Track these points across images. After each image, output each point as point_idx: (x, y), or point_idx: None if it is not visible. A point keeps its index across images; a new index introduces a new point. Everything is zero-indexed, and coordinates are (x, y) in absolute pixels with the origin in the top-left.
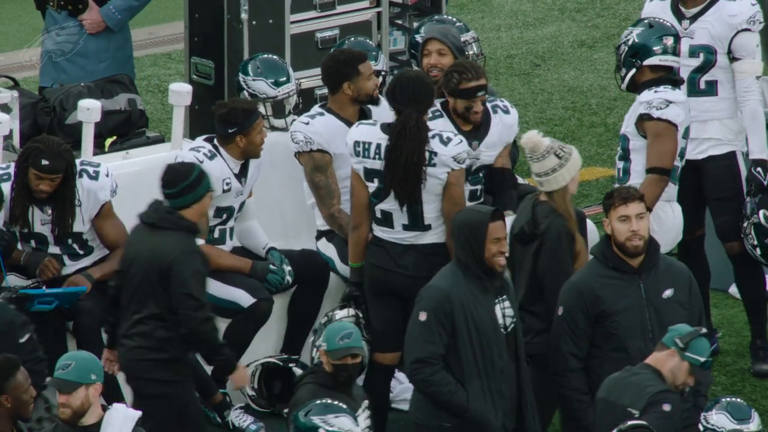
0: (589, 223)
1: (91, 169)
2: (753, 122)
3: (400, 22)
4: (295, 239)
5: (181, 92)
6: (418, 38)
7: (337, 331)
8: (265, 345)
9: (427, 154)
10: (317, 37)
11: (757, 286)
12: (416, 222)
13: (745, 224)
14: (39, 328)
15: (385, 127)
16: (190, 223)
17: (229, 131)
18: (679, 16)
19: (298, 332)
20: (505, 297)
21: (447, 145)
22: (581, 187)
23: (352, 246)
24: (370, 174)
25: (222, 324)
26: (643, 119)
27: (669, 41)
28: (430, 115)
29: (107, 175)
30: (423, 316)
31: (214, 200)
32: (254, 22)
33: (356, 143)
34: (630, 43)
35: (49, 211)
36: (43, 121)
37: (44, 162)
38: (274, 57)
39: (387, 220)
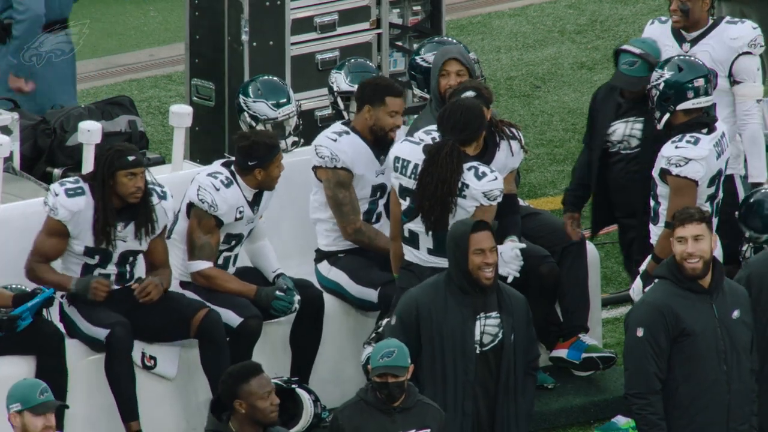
0: (590, 245)
1: (159, 189)
2: (753, 146)
3: (400, 43)
4: (291, 260)
5: (181, 114)
6: (419, 60)
7: (381, 348)
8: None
9: (459, 185)
10: (317, 58)
11: None
12: (440, 248)
13: (744, 248)
14: (40, 348)
15: (426, 149)
16: None
17: (249, 164)
18: (680, 39)
19: (304, 361)
20: (492, 314)
21: (480, 180)
22: None
23: (392, 258)
24: (403, 192)
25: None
26: (663, 173)
27: (700, 82)
28: (437, 138)
29: (171, 197)
30: (393, 320)
31: (225, 227)
32: (255, 44)
33: (396, 158)
34: (661, 87)
35: (123, 227)
36: (44, 143)
37: (131, 158)
38: (275, 78)
39: (413, 240)
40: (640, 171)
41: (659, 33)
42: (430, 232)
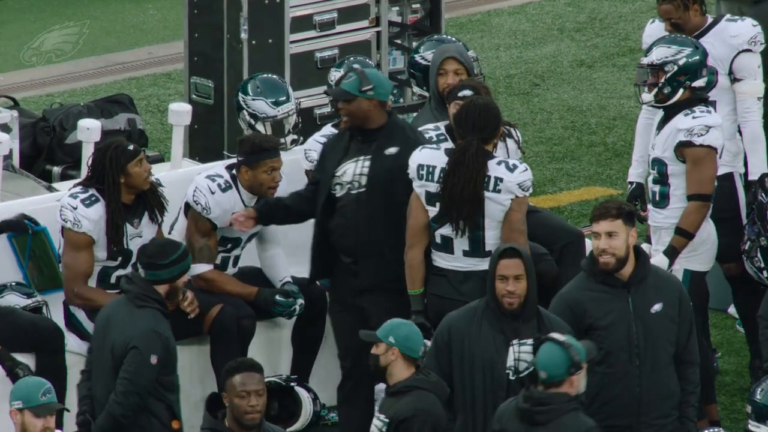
0: (589, 244)
1: (153, 178)
2: (753, 143)
3: (399, 41)
4: (288, 258)
5: (180, 112)
6: (418, 58)
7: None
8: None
9: (492, 180)
10: (317, 56)
11: (755, 306)
12: (477, 248)
13: (746, 246)
14: (40, 346)
15: (449, 152)
16: None
17: (238, 159)
18: None
19: (305, 360)
20: (528, 342)
21: (513, 172)
22: (580, 206)
23: (406, 270)
24: (432, 198)
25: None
26: (682, 146)
27: (710, 63)
28: (434, 138)
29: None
30: (428, 342)
31: (221, 230)
32: (254, 42)
33: (419, 166)
34: (682, 63)
35: (137, 222)
36: (43, 141)
37: (131, 147)
38: (274, 76)
39: (447, 245)
40: (369, 211)
41: (660, 31)
42: (465, 234)
